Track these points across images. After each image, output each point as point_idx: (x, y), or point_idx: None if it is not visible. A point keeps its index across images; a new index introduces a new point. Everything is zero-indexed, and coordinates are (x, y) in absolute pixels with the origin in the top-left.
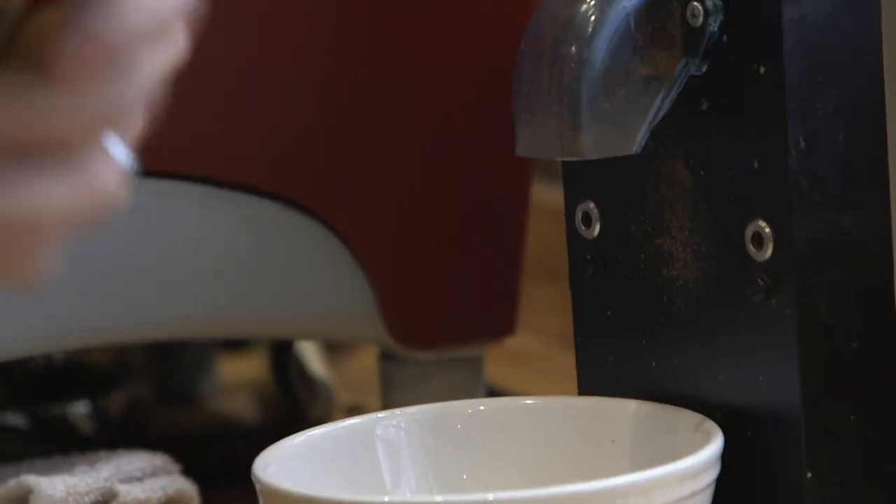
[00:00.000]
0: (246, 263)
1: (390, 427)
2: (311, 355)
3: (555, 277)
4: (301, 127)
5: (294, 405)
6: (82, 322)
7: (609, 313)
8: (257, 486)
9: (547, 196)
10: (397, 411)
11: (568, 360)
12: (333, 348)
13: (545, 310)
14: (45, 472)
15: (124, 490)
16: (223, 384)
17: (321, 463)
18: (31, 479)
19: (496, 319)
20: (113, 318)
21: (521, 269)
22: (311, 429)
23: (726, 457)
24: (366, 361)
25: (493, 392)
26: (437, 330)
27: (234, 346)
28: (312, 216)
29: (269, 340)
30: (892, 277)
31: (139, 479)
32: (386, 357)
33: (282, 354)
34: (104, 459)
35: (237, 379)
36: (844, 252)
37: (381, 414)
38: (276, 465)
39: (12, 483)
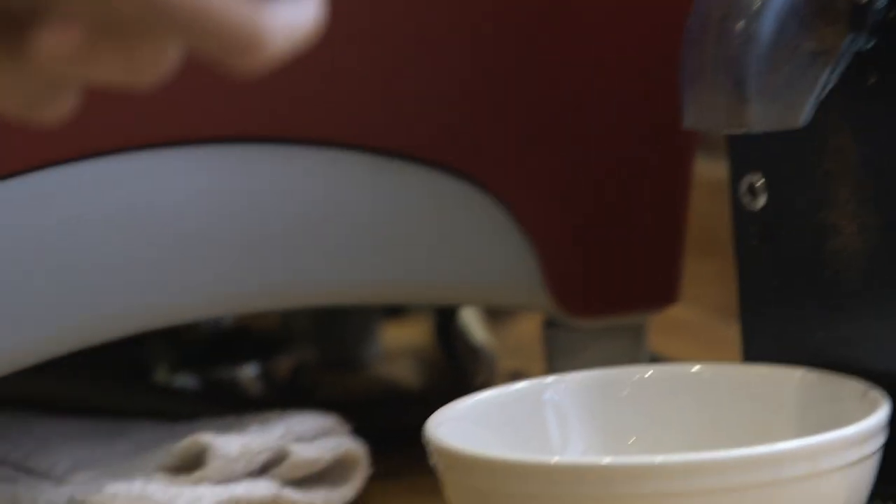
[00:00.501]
0: (410, 232)
1: (558, 392)
2: (473, 322)
3: (713, 251)
4: (467, 95)
5: (457, 371)
6: (250, 286)
7: (774, 283)
8: (430, 447)
9: (707, 170)
10: (565, 376)
11: (726, 331)
12: (494, 316)
13: (704, 282)
14: (218, 431)
15: (296, 450)
16: (386, 351)
17: (490, 425)
18: (206, 438)
19: (659, 288)
20: (279, 284)
21: (683, 239)
22: (479, 392)
23: (892, 424)
24: (526, 328)
25: (654, 360)
26: (601, 298)
27: (396, 313)
28: (478, 185)
29: (431, 308)
30: None
31: (310, 440)
32: (550, 324)
33: (445, 321)
34: (275, 420)
35: (399, 346)
36: None
37: (548, 379)
38: (447, 426)
39: (187, 441)
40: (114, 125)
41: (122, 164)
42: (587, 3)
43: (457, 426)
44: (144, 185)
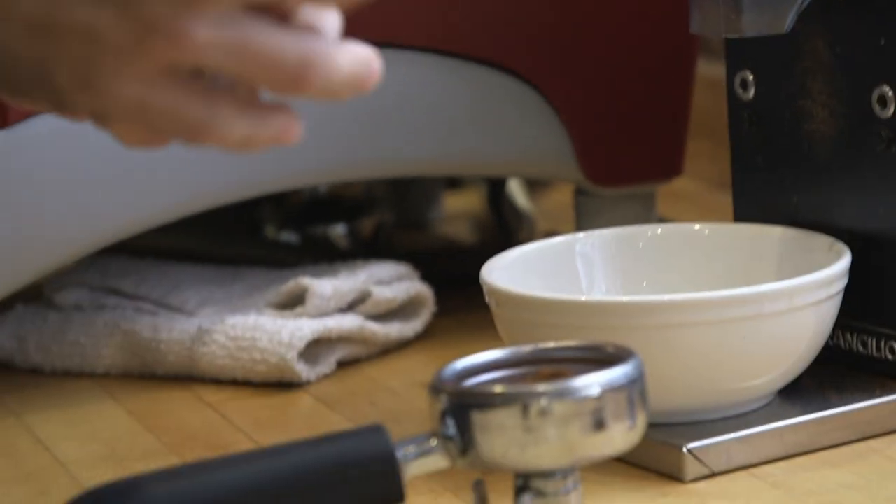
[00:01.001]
0: (468, 117)
1: (587, 245)
2: (517, 191)
3: (710, 134)
4: (513, 6)
5: (504, 230)
6: (340, 160)
7: (760, 159)
8: (485, 288)
9: (706, 69)
10: (592, 233)
11: (720, 199)
12: (534, 185)
13: (703, 159)
14: (315, 276)
15: (377, 291)
16: (448, 213)
17: (533, 272)
18: (307, 281)
19: (667, 163)
20: (364, 158)
21: (687, 124)
22: (523, 246)
23: (853, 270)
24: (560, 197)
25: (662, 221)
26: (621, 170)
27: (456, 183)
28: (520, 78)
29: (484, 179)
30: None
31: (388, 283)
32: (579, 192)
33: (496, 190)
34: (360, 267)
35: (459, 210)
36: None
37: (580, 234)
38: (498, 272)
39: (291, 284)
40: None
41: None
42: None
43: (506, 272)
44: None
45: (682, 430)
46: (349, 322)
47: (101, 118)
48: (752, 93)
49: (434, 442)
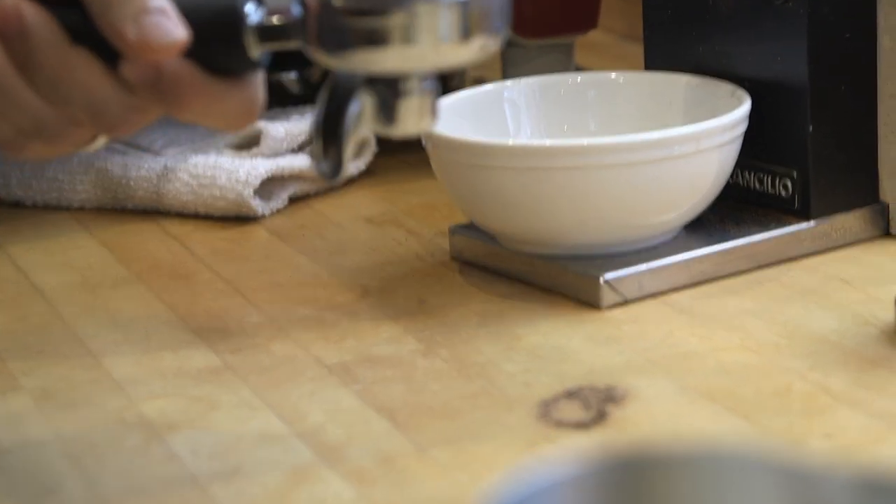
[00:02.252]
0: None
1: (513, 92)
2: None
3: None
4: None
5: (439, 77)
6: None
7: (668, 13)
8: (422, 136)
9: None
10: (519, 80)
11: (632, 50)
12: None
13: (615, 14)
14: (269, 119)
15: None
16: None
17: (465, 116)
18: (261, 124)
19: (584, 17)
20: None
21: None
22: (456, 93)
23: (752, 115)
24: None
25: (579, 70)
26: (545, 23)
27: None
28: None
29: None
30: None
31: None
32: (507, 43)
33: None
34: (310, 111)
35: None
36: None
37: (507, 82)
38: None
39: (248, 126)
40: None
41: None
42: None
43: (441, 117)
44: None
45: (598, 261)
46: (300, 161)
47: None
48: None
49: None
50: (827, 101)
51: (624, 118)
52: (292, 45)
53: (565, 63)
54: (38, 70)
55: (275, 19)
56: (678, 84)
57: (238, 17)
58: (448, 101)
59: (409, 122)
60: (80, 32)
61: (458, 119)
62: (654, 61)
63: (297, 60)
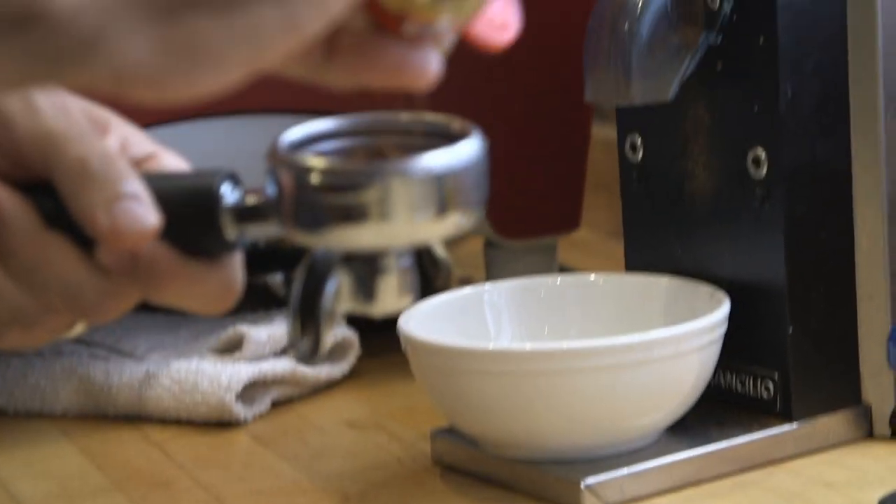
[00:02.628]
0: None
1: (494, 295)
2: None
3: (604, 189)
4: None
5: (424, 277)
6: None
7: (648, 214)
8: (401, 336)
9: (600, 132)
10: (499, 284)
11: (614, 247)
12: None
13: (599, 211)
14: (253, 323)
15: None
16: None
17: (446, 319)
18: (244, 328)
19: (566, 217)
20: None
21: (584, 180)
22: (438, 295)
23: (731, 317)
24: (473, 245)
25: (563, 270)
26: (527, 224)
27: None
28: None
29: None
30: (850, 188)
31: None
32: (489, 244)
33: None
34: None
35: None
36: (818, 171)
37: (487, 286)
38: (414, 320)
39: (231, 330)
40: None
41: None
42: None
43: (422, 320)
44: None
45: (580, 466)
46: (283, 366)
47: None
48: (640, 154)
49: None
50: (806, 301)
51: (604, 320)
52: (269, 225)
53: (549, 263)
54: (12, 256)
55: (250, 199)
56: (658, 286)
57: (214, 198)
58: (429, 305)
59: (387, 301)
60: (55, 218)
61: (439, 322)
62: (635, 262)
63: (283, 261)
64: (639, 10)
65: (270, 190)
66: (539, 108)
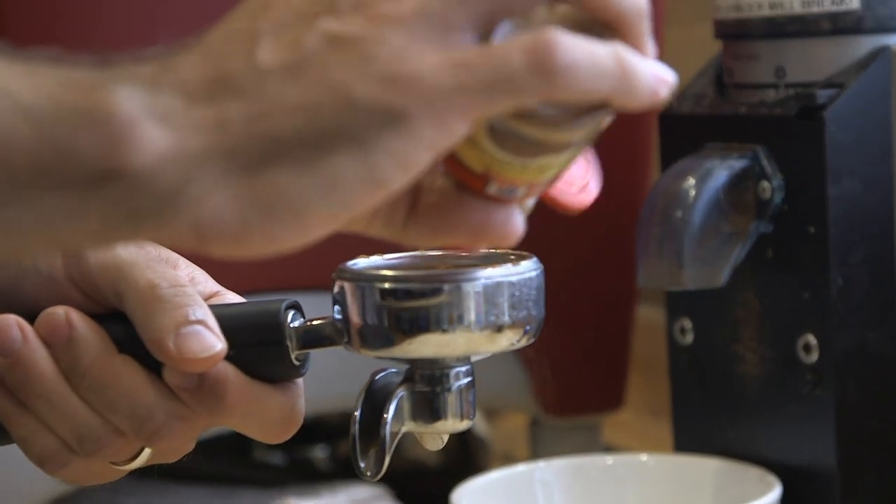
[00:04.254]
0: None
1: (546, 473)
2: (477, 417)
3: (647, 371)
4: None
5: (465, 453)
6: (320, 393)
7: (697, 396)
8: None
9: (643, 314)
10: (551, 462)
11: (655, 428)
12: (493, 413)
13: (640, 392)
14: (298, 497)
15: None
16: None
17: (499, 496)
18: (290, 502)
19: (610, 397)
20: (339, 392)
21: (628, 361)
22: (488, 472)
23: (783, 501)
24: (514, 420)
25: (607, 449)
26: (573, 403)
27: None
28: None
29: None
30: None
31: (366, 503)
32: (534, 423)
33: None
34: (340, 488)
35: None
36: (868, 358)
37: (539, 464)
38: (467, 497)
39: None
40: None
41: None
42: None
43: (475, 497)
44: None
45: None
46: None
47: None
48: (689, 338)
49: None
50: (857, 487)
51: (655, 501)
52: (334, 345)
53: (593, 442)
54: (84, 377)
55: (315, 322)
56: (707, 468)
57: (279, 321)
58: (481, 482)
59: (448, 419)
60: (125, 342)
61: (491, 499)
62: (683, 443)
63: (326, 433)
64: (692, 199)
65: (336, 310)
66: (586, 290)
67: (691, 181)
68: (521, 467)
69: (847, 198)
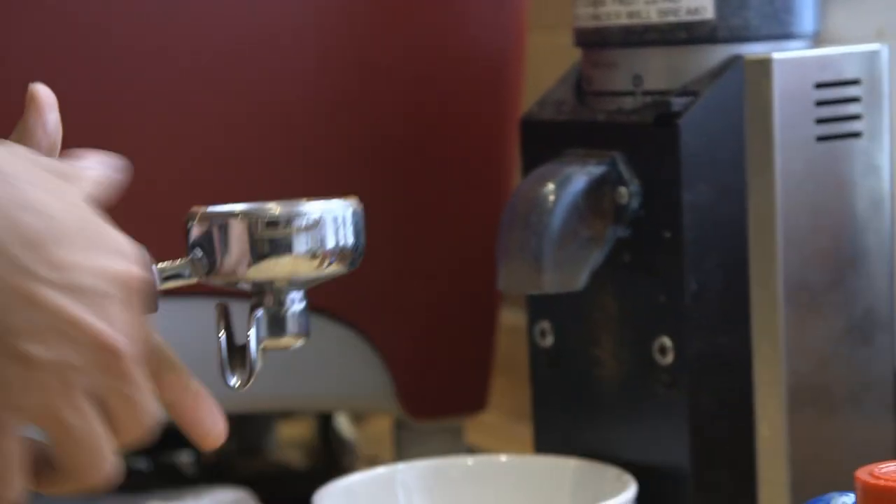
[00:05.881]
0: (298, 360)
1: (407, 474)
2: (343, 421)
3: (510, 373)
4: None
5: (331, 456)
6: None
7: (557, 398)
8: None
9: (507, 317)
10: (412, 464)
11: (519, 430)
12: (359, 416)
13: (504, 395)
14: (162, 501)
15: None
16: (281, 441)
17: (360, 499)
18: None
19: (473, 400)
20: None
21: (491, 364)
22: (350, 474)
23: (638, 499)
24: (381, 423)
25: (470, 450)
26: (436, 406)
27: (289, 415)
28: (354, 328)
29: (316, 411)
30: (751, 378)
31: None
32: (398, 425)
33: (324, 420)
34: (204, 493)
35: (291, 437)
36: (721, 361)
37: (400, 465)
38: (328, 499)
39: None
40: None
41: None
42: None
43: (336, 499)
44: None
45: None
46: None
47: None
48: (549, 340)
49: (184, 263)
50: (709, 486)
51: (514, 501)
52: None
53: (457, 444)
54: None
55: (177, 262)
56: (566, 468)
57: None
58: (343, 484)
59: (289, 336)
60: None
61: (352, 501)
62: (544, 444)
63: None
64: (551, 204)
65: (195, 250)
66: (449, 293)
67: (550, 186)
68: (381, 469)
69: (701, 203)
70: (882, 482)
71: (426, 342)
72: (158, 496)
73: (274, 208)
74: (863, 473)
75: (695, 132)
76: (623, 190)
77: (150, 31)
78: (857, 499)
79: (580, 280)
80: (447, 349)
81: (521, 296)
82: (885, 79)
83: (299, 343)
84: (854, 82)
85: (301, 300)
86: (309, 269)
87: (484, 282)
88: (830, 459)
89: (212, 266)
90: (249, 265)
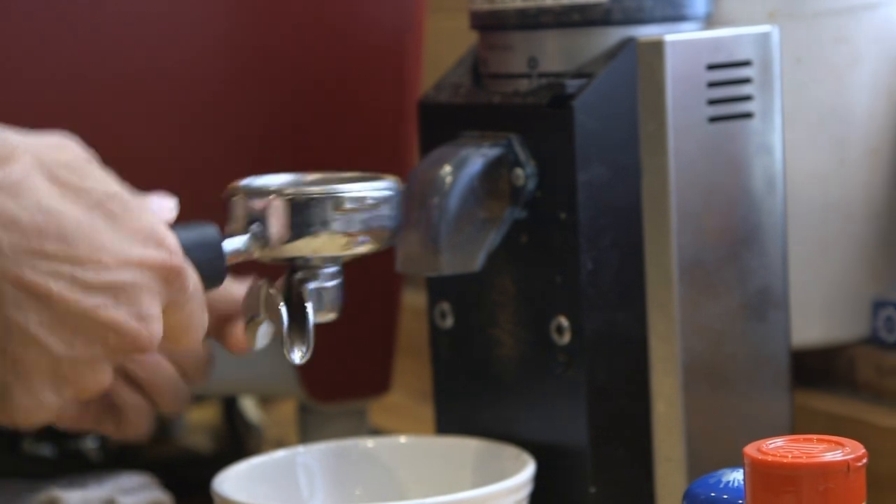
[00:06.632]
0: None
1: (307, 457)
2: (249, 405)
3: (415, 354)
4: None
5: (237, 440)
6: None
7: (458, 379)
8: (215, 499)
9: (411, 298)
10: (312, 446)
11: (423, 411)
12: (267, 398)
13: (409, 376)
14: (65, 487)
15: (121, 499)
16: (188, 425)
17: (260, 481)
18: (56, 492)
19: (376, 382)
20: None
21: (394, 347)
22: (251, 458)
23: (537, 478)
24: (289, 407)
25: (374, 432)
26: (339, 389)
27: (197, 399)
28: None
29: (222, 395)
30: (647, 356)
31: (131, 492)
32: (303, 408)
33: (230, 404)
34: (107, 478)
35: (198, 422)
36: (618, 339)
37: (300, 448)
38: (228, 483)
39: (43, 495)
40: None
41: None
42: None
43: (236, 483)
44: None
45: None
46: None
47: None
48: (450, 322)
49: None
50: (607, 463)
51: (415, 482)
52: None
53: (360, 426)
54: None
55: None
56: (467, 448)
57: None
58: (244, 467)
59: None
60: None
61: (253, 484)
62: (446, 425)
63: None
64: (447, 186)
65: (255, 225)
66: (351, 275)
67: (447, 168)
68: (281, 452)
69: (596, 184)
70: (769, 458)
71: (328, 327)
72: (61, 482)
73: (323, 186)
74: (751, 449)
75: (589, 113)
76: (519, 171)
77: (38, 25)
78: (744, 474)
79: (477, 261)
80: (349, 332)
81: (422, 277)
82: (777, 60)
83: (333, 316)
84: (745, 63)
85: (340, 275)
86: (348, 247)
87: (385, 264)
88: (726, 436)
89: (266, 240)
90: (296, 240)
